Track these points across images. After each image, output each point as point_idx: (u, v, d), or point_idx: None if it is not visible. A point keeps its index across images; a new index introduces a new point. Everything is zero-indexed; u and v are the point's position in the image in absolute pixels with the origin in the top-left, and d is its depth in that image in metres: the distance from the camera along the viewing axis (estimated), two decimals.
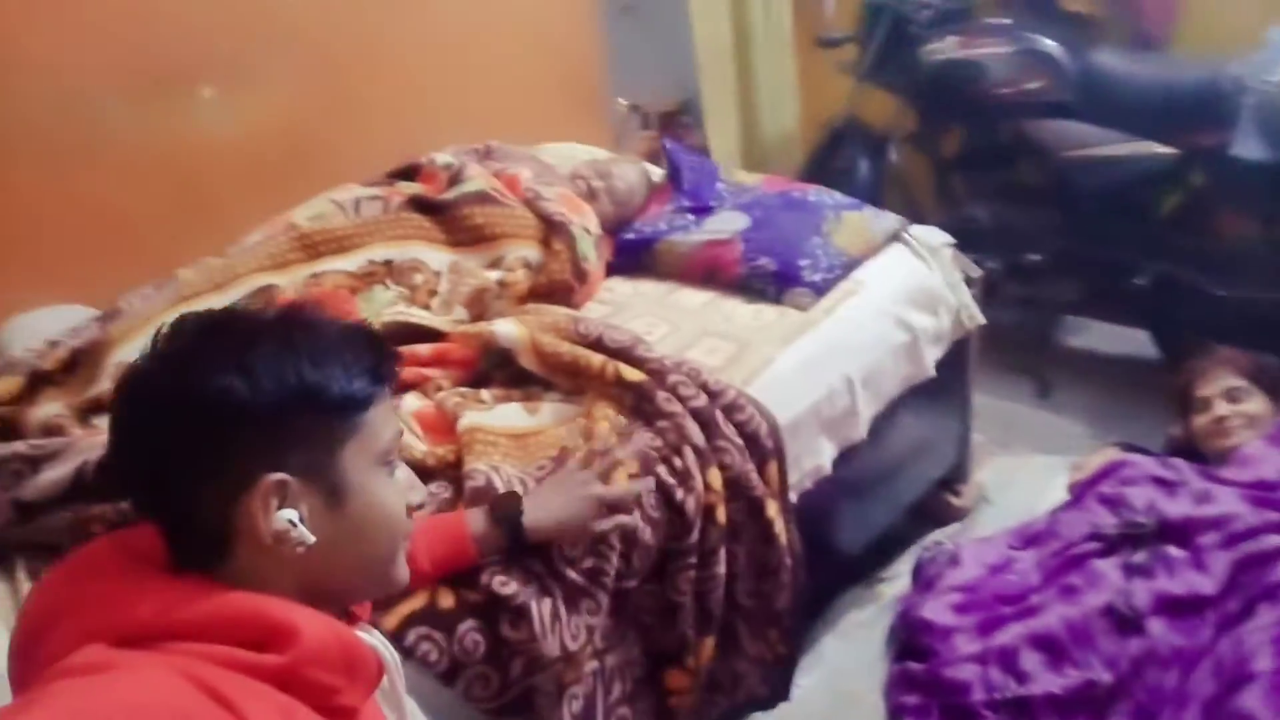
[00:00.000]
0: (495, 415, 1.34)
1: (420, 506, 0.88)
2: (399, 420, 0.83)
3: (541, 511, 1.15)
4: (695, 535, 1.31)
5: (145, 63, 1.90)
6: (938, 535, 1.89)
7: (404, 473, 0.83)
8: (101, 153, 1.88)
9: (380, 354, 0.77)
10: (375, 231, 1.64)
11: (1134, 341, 2.62)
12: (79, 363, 1.37)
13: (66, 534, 1.12)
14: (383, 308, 1.54)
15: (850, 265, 1.74)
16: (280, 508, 0.69)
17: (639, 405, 1.37)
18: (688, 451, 1.33)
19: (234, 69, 2.02)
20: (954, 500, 2.04)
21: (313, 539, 0.70)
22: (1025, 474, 2.13)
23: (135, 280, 1.53)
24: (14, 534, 1.16)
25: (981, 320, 1.88)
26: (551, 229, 1.69)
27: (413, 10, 2.29)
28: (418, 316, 1.55)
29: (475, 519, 1.12)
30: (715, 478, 1.35)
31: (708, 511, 1.33)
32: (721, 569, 1.36)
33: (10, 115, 1.77)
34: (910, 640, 1.60)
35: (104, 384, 1.32)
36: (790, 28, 3.03)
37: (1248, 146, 2.04)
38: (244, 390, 0.67)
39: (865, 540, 1.83)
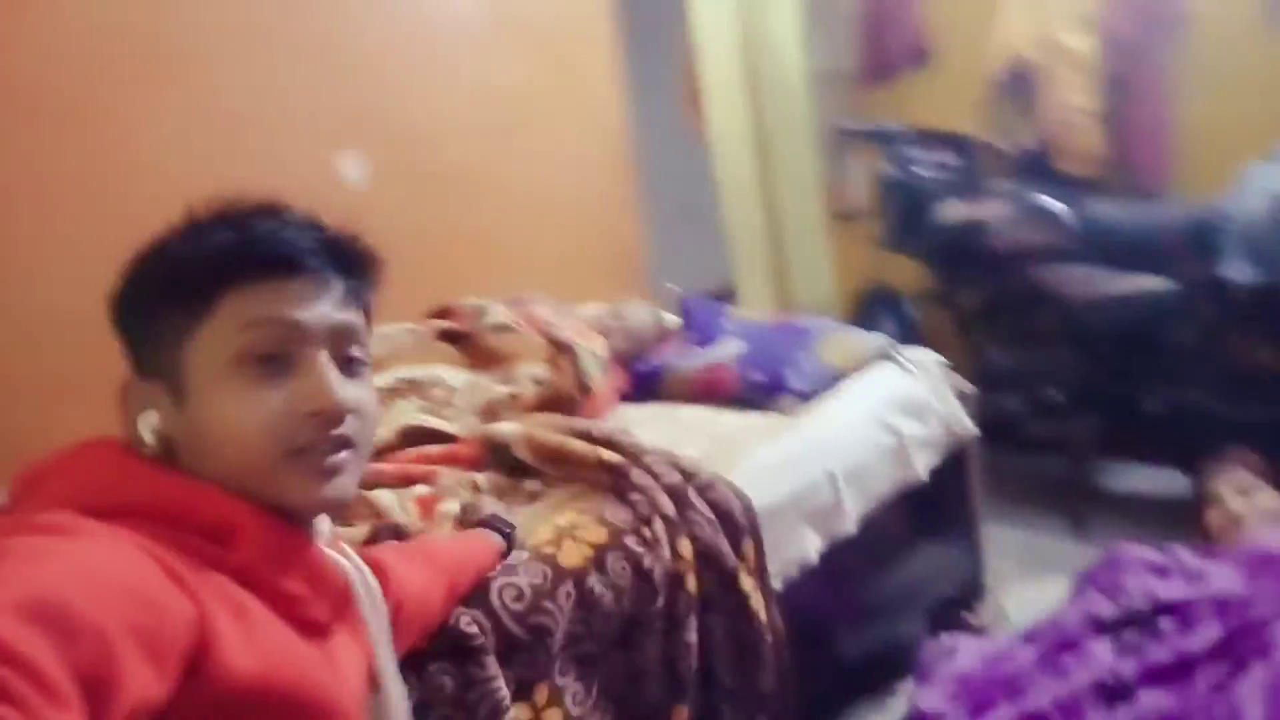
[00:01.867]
0: None
1: (319, 413, 0.71)
2: (289, 311, 0.72)
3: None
4: (661, 601, 1.38)
5: None
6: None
7: (312, 374, 0.72)
8: None
9: (240, 233, 0.70)
10: (404, 356, 1.87)
11: (1172, 482, 2.58)
12: None
13: None
14: (403, 415, 1.73)
15: (837, 377, 1.86)
16: (142, 410, 0.71)
17: (615, 483, 1.48)
18: (657, 521, 1.42)
19: None
20: (971, 619, 2.01)
21: (149, 440, 0.70)
22: (1049, 594, 2.08)
23: None
24: None
25: (974, 431, 1.94)
26: (558, 349, 1.88)
27: (471, 207, 2.62)
28: (434, 422, 1.73)
29: (497, 540, 1.27)
30: (686, 547, 1.42)
31: (676, 579, 1.40)
32: (692, 636, 1.40)
33: None
34: None
35: None
36: (819, 207, 3.30)
37: (1235, 269, 2.12)
38: (119, 291, 0.72)
39: (869, 646, 1.81)
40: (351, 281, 0.78)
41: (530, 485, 1.58)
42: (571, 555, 1.34)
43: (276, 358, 0.71)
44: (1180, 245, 2.33)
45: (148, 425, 0.72)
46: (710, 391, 1.93)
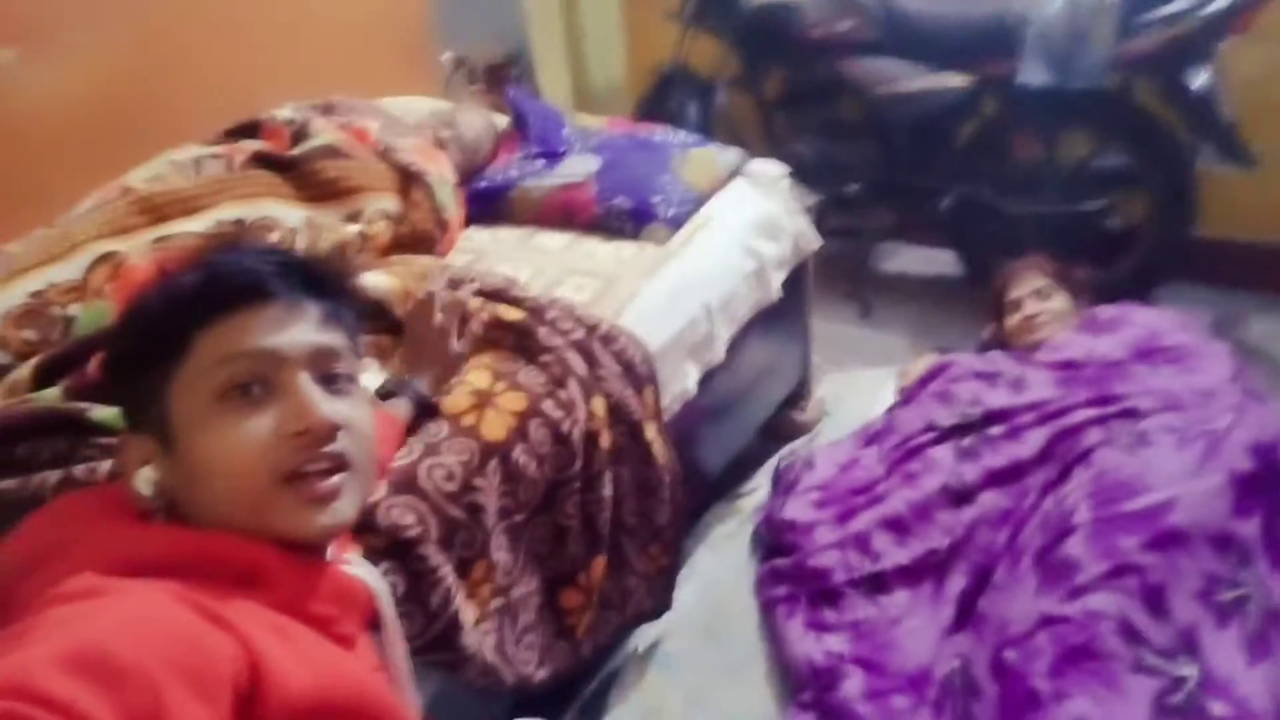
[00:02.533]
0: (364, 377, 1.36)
1: (305, 432, 0.71)
2: (263, 339, 0.72)
3: (430, 380, 1.27)
4: (580, 463, 1.38)
5: None
6: (790, 447, 2.05)
7: (293, 395, 0.72)
8: None
9: (205, 275, 0.72)
10: (221, 191, 1.58)
11: (942, 262, 2.89)
12: None
13: None
14: None
15: (700, 200, 1.84)
16: (142, 465, 0.71)
17: (521, 343, 1.42)
18: (572, 383, 1.39)
19: (39, 29, 1.87)
20: (799, 417, 2.21)
21: (149, 493, 0.70)
22: (858, 387, 2.33)
23: None
24: None
25: (817, 244, 2.03)
26: (409, 179, 1.69)
27: None
28: None
29: (401, 409, 1.22)
30: (599, 405, 1.42)
31: (592, 438, 1.41)
32: (608, 491, 1.44)
33: None
34: (775, 540, 1.75)
35: None
36: None
37: (1030, 73, 2.28)
38: (108, 355, 0.74)
39: (726, 459, 1.96)
40: (327, 303, 0.77)
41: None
42: (494, 427, 1.30)
43: (256, 386, 0.71)
44: (978, 43, 2.44)
45: (145, 480, 0.71)
46: (565, 214, 1.84)
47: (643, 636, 1.73)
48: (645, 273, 1.66)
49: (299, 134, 1.73)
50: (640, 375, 1.50)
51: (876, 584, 1.59)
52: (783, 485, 1.85)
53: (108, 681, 0.49)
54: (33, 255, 1.43)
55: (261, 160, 1.66)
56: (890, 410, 1.91)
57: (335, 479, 0.72)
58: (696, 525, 1.98)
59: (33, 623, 0.55)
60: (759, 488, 2.02)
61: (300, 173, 1.65)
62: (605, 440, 1.43)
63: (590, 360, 1.43)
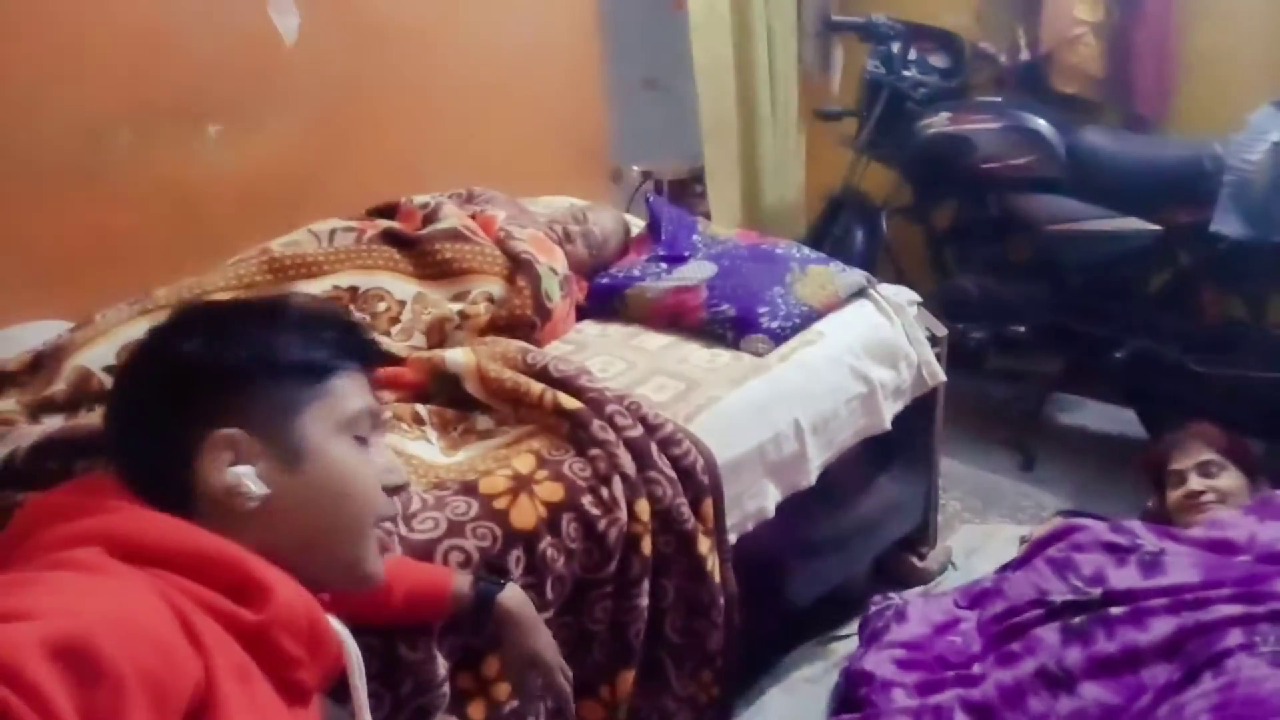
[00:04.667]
0: (415, 447, 1.37)
1: (401, 489, 0.84)
2: (371, 398, 0.82)
3: (520, 604, 1.11)
4: (614, 565, 1.31)
5: (155, 96, 2.02)
6: (893, 594, 1.86)
7: (384, 454, 0.83)
8: (105, 179, 1.98)
9: (346, 329, 0.82)
10: (345, 260, 1.69)
11: (1122, 420, 2.60)
12: (41, 365, 1.42)
13: None
14: None
15: (810, 316, 1.76)
16: (235, 463, 0.72)
17: (574, 433, 1.38)
18: (616, 481, 1.33)
19: (239, 108, 2.13)
20: (918, 563, 2.01)
21: (261, 492, 0.72)
22: (996, 542, 2.10)
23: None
24: None
25: (943, 378, 1.87)
26: (516, 266, 1.73)
27: (417, 64, 2.40)
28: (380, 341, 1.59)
29: (460, 578, 1.10)
30: (644, 509, 1.35)
31: (632, 542, 1.33)
32: (643, 601, 1.35)
33: (24, 140, 1.88)
34: (850, 692, 1.57)
35: (59, 385, 1.37)
36: (796, 102, 3.11)
37: (1227, 224, 2.04)
38: (203, 352, 0.74)
39: (817, 593, 1.80)
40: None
41: (482, 422, 1.48)
42: (525, 515, 1.26)
43: (364, 437, 0.81)
44: (1170, 187, 2.23)
45: (251, 476, 0.73)
46: (674, 317, 1.81)
47: None
48: (734, 381, 1.59)
49: (429, 217, 1.82)
50: (699, 484, 1.42)
51: None
52: (868, 633, 1.66)
53: (85, 678, 0.52)
54: (170, 298, 1.58)
55: (389, 237, 1.76)
56: (1001, 570, 1.69)
57: None
58: (780, 662, 1.82)
59: (38, 578, 0.59)
60: (856, 634, 1.83)
61: (420, 251, 1.74)
62: (647, 546, 1.35)
63: (642, 461, 1.37)
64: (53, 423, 1.28)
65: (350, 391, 0.79)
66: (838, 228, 2.91)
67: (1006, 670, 1.44)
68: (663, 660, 1.44)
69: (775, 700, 1.72)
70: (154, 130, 2.02)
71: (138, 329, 1.49)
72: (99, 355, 1.43)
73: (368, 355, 0.84)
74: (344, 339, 0.81)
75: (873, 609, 1.73)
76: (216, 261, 1.72)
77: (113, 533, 0.66)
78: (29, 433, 1.20)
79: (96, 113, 1.95)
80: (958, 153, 2.56)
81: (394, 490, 0.83)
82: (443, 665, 1.16)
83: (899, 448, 1.85)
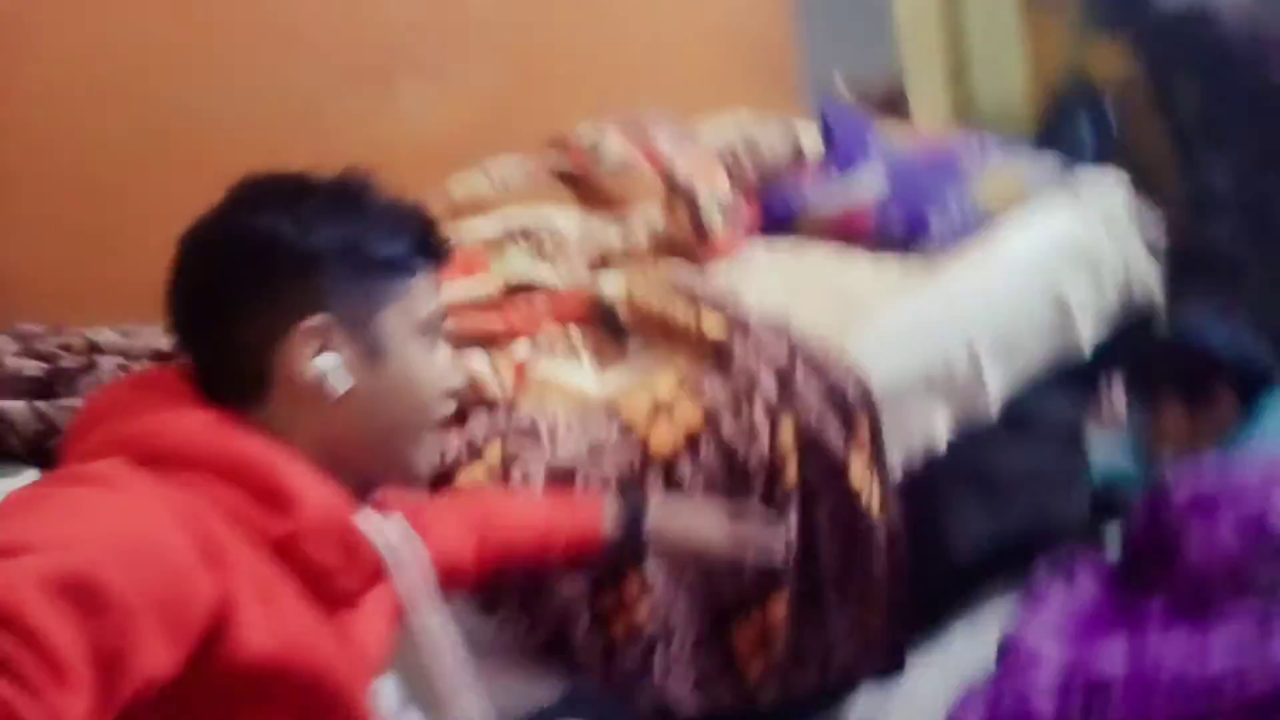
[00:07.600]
0: (567, 371, 1.40)
1: (455, 392, 0.84)
2: (438, 298, 0.80)
3: (668, 518, 1.09)
4: (756, 494, 1.29)
5: (355, 61, 2.16)
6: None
7: (445, 354, 0.81)
8: (318, 147, 2.14)
9: (429, 229, 0.78)
10: (514, 197, 1.76)
11: None
12: None
13: None
14: (513, 266, 1.65)
15: (989, 221, 1.59)
16: (320, 353, 0.70)
17: (718, 358, 1.37)
18: (759, 405, 1.30)
19: (433, 62, 2.24)
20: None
21: (347, 385, 0.71)
22: None
23: None
24: None
25: (1159, 300, 1.63)
26: (677, 194, 1.72)
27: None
28: (541, 276, 1.64)
29: (609, 517, 1.06)
30: (787, 433, 1.31)
31: (774, 471, 1.30)
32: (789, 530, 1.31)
33: (249, 122, 2.08)
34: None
35: None
36: None
37: None
38: (291, 232, 0.70)
39: (1001, 542, 1.64)
40: None
41: (633, 347, 1.50)
42: (663, 439, 1.27)
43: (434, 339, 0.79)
44: None
45: (334, 366, 0.72)
46: (846, 236, 1.73)
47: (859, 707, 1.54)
48: (896, 294, 1.48)
49: (595, 149, 1.84)
50: (850, 409, 1.35)
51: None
52: (1028, 596, 1.49)
53: (90, 610, 0.50)
54: None
55: (555, 172, 1.81)
56: None
57: None
58: (974, 604, 1.70)
59: (45, 500, 0.59)
60: None
61: (584, 183, 1.77)
62: (791, 475, 1.30)
63: (785, 382, 1.33)
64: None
65: (428, 293, 0.77)
66: (1063, 128, 2.61)
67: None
68: (821, 589, 1.40)
69: (962, 633, 1.62)
70: (356, 94, 2.18)
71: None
72: None
73: (444, 255, 0.80)
74: (424, 238, 0.77)
75: (1039, 568, 1.54)
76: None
77: (142, 437, 0.65)
78: None
79: (306, 85, 2.12)
80: (1205, 23, 2.19)
81: (452, 393, 0.82)
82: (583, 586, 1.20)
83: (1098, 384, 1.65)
